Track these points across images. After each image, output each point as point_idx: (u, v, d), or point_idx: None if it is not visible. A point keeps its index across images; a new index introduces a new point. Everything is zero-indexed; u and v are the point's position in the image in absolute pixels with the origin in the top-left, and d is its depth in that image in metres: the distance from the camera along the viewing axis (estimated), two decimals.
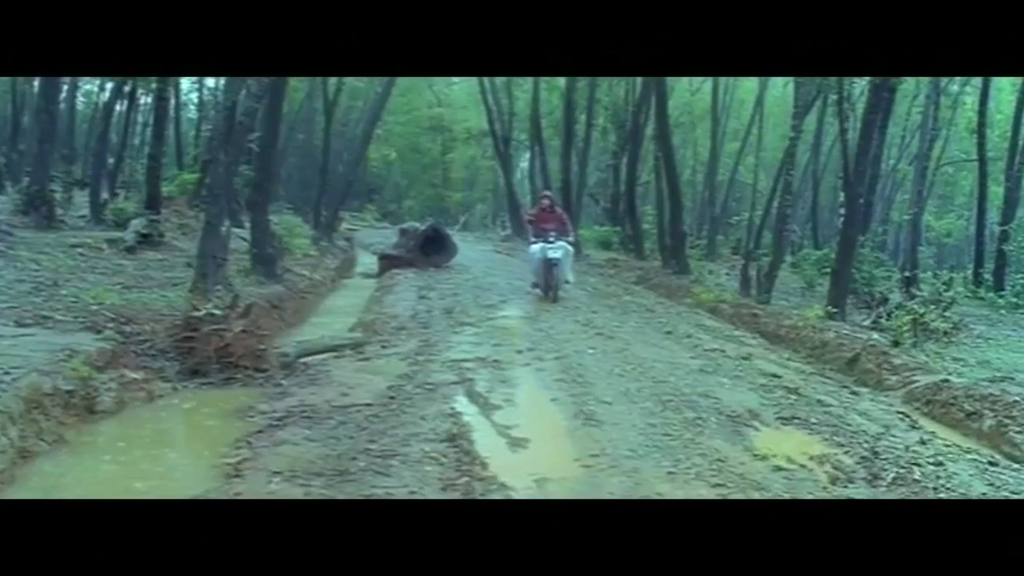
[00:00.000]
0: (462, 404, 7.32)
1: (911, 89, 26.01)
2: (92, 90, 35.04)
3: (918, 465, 6.26)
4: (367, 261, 22.37)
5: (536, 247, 14.74)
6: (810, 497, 5.44)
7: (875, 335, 11.45)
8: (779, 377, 9.25)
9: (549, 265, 14.43)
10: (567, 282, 15.09)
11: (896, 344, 10.85)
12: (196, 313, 8.06)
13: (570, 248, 15.02)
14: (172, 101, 24.86)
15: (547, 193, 17.77)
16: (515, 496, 5.08)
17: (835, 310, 12.91)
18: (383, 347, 9.94)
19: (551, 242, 14.40)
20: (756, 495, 5.37)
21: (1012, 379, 9.12)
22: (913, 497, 5.60)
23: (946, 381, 8.79)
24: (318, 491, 4.94)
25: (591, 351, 9.89)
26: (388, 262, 19.86)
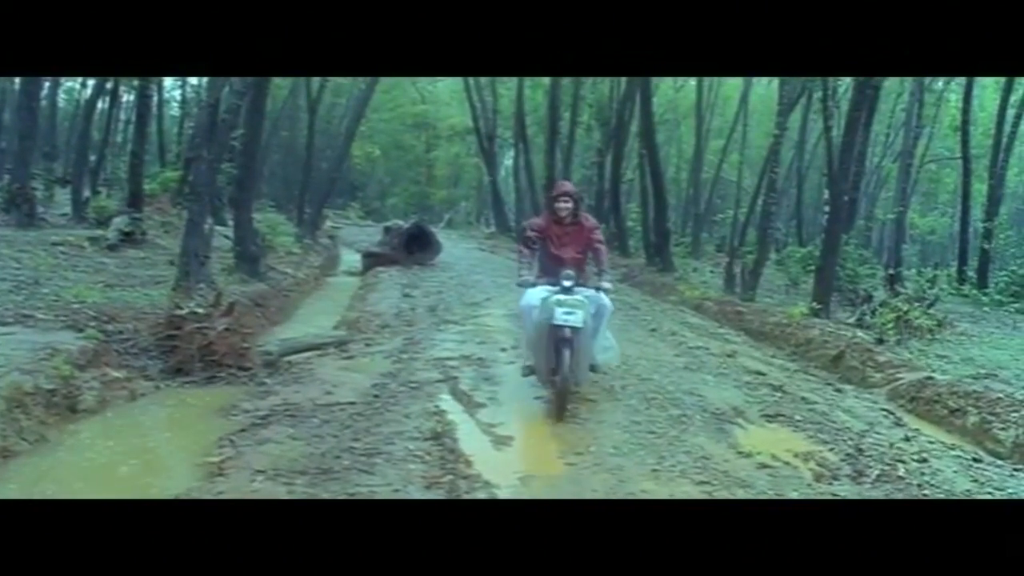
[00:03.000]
0: (446, 402, 7.30)
1: (895, 87, 26.17)
2: (74, 87, 34.84)
3: (902, 462, 6.29)
4: (351, 259, 22.30)
5: (533, 295, 7.36)
6: (795, 495, 5.45)
7: (859, 332, 11.48)
8: (763, 375, 9.28)
9: (559, 338, 6.96)
10: (594, 368, 7.63)
11: (880, 341, 10.88)
12: (179, 311, 8.01)
13: (606, 302, 7.45)
14: (155, 98, 24.66)
15: (567, 188, 8.07)
16: (499, 494, 5.07)
17: (819, 307, 12.95)
18: (367, 345, 9.91)
19: (568, 289, 7.08)
20: (741, 492, 5.37)
21: (995, 376, 9.17)
22: (897, 493, 5.62)
23: (930, 378, 8.82)
24: (302, 490, 4.91)
25: None
26: (372, 260, 19.81)
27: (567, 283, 7.06)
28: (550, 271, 7.49)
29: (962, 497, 5.65)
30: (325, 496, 4.82)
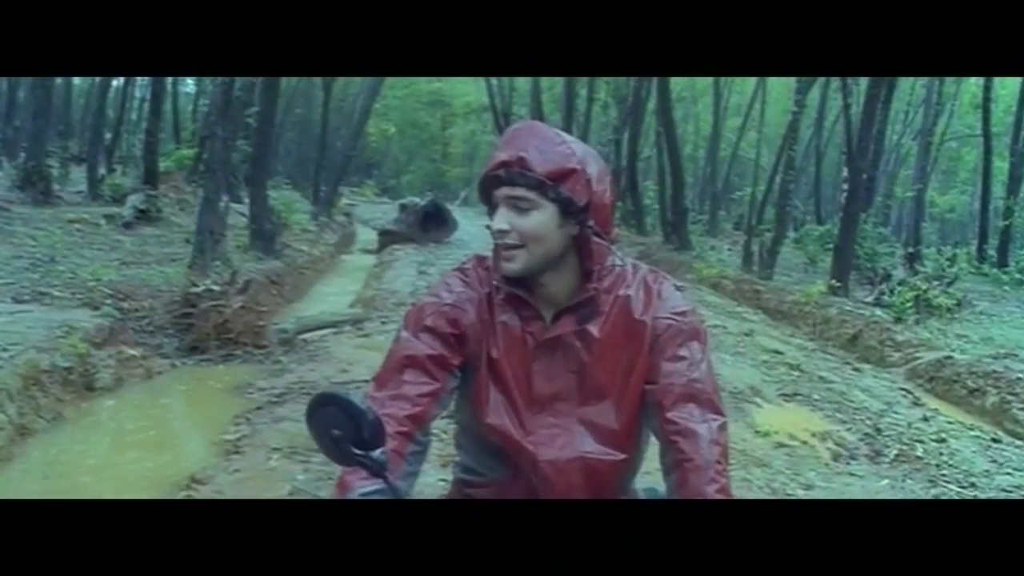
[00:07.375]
0: None
1: None
2: None
3: (921, 442, 6.26)
4: (366, 237, 22.29)
5: None
6: (812, 474, 5.43)
7: (878, 311, 11.42)
8: (781, 353, 9.23)
9: None
10: None
11: (899, 320, 10.82)
12: (194, 289, 8.01)
13: None
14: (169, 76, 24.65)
15: (523, 143, 1.85)
16: None
17: (838, 286, 12.86)
18: (383, 323, 9.89)
19: None
20: (758, 472, 5.35)
21: (1015, 356, 9.09)
22: (915, 473, 5.60)
23: (949, 358, 8.77)
24: (317, 468, 4.91)
25: None
26: (388, 238, 19.78)
27: None
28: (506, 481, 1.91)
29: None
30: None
